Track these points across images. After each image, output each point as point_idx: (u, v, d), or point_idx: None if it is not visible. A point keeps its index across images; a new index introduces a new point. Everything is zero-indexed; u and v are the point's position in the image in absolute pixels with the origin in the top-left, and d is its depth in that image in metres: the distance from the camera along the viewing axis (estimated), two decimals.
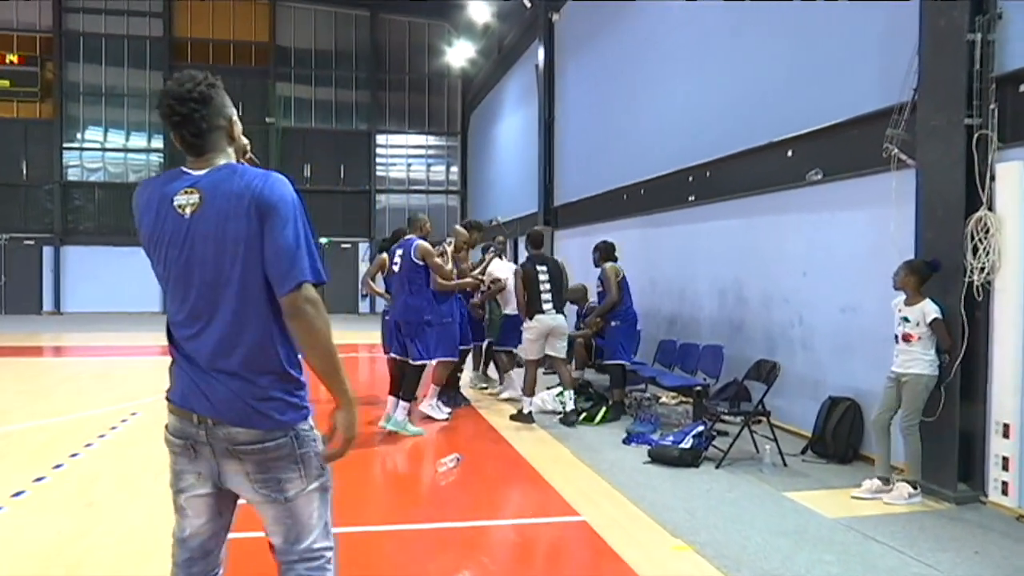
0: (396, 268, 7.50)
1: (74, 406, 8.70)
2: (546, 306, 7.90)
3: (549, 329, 7.91)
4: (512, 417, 7.88)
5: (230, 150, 2.29)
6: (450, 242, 8.07)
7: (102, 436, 7.13)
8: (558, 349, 7.93)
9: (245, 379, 2.16)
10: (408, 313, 7.30)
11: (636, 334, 8.77)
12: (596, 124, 13.36)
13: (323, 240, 22.77)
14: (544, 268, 8.00)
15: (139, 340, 16.49)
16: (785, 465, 6.16)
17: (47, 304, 23.76)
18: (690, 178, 9.48)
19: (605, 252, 8.49)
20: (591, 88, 13.64)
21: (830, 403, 6.49)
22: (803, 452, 6.53)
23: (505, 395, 9.00)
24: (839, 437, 6.32)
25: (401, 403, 7.20)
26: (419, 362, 7.26)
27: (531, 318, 7.89)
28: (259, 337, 2.17)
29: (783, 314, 7.59)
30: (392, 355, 7.64)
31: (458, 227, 8.77)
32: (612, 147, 12.51)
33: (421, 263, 7.30)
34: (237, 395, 2.16)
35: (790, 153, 7.45)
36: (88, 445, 6.77)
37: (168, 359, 2.35)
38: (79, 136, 24.74)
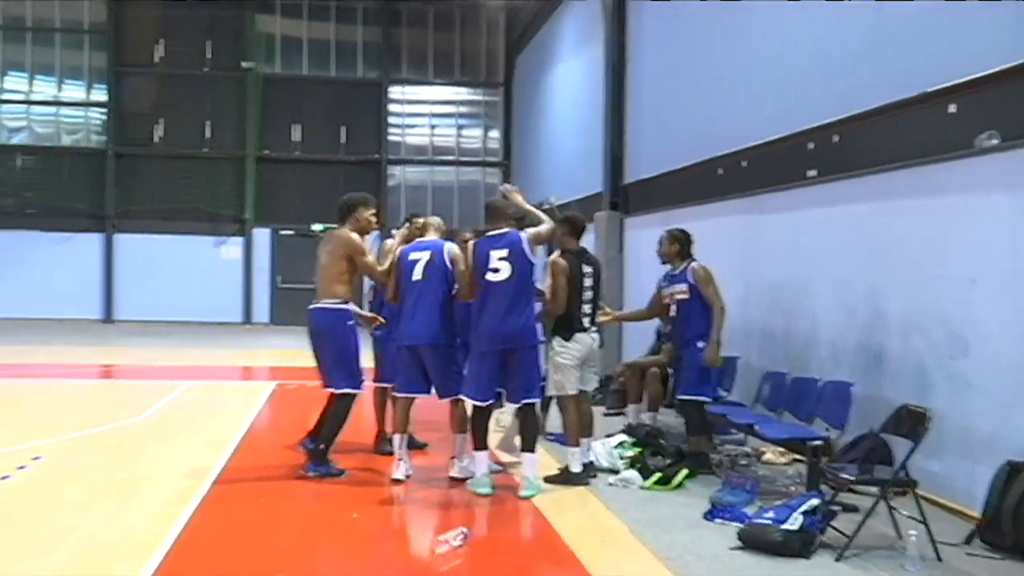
0: (419, 275, 7.69)
1: None
2: (585, 321, 7.95)
3: (590, 353, 7.97)
4: (550, 479, 7.76)
5: None
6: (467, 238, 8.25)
7: None
8: (590, 380, 8.11)
9: None
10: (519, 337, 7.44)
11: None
12: (681, 70, 13.32)
13: (317, 227, 22.79)
14: (590, 269, 8.06)
15: (67, 356, 16.61)
16: (939, 559, 5.89)
17: None
18: (810, 145, 9.38)
19: (687, 243, 8.59)
20: (675, 21, 13.56)
21: (1009, 470, 6.21)
22: (967, 541, 6.26)
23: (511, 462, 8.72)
24: (1021, 519, 6.00)
25: (528, 456, 7.44)
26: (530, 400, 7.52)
27: (568, 338, 7.84)
28: None
29: (940, 340, 7.35)
30: (405, 394, 7.87)
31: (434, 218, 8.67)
32: (703, 102, 12.46)
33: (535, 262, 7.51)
34: None
35: (952, 108, 7.25)
36: None
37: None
38: None
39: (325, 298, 7.77)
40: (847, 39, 8.86)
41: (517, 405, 7.52)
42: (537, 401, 7.52)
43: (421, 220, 8.38)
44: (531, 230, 7.45)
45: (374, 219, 8.00)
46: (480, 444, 7.42)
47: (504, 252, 7.29)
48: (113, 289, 24.66)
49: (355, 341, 7.83)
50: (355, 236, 7.83)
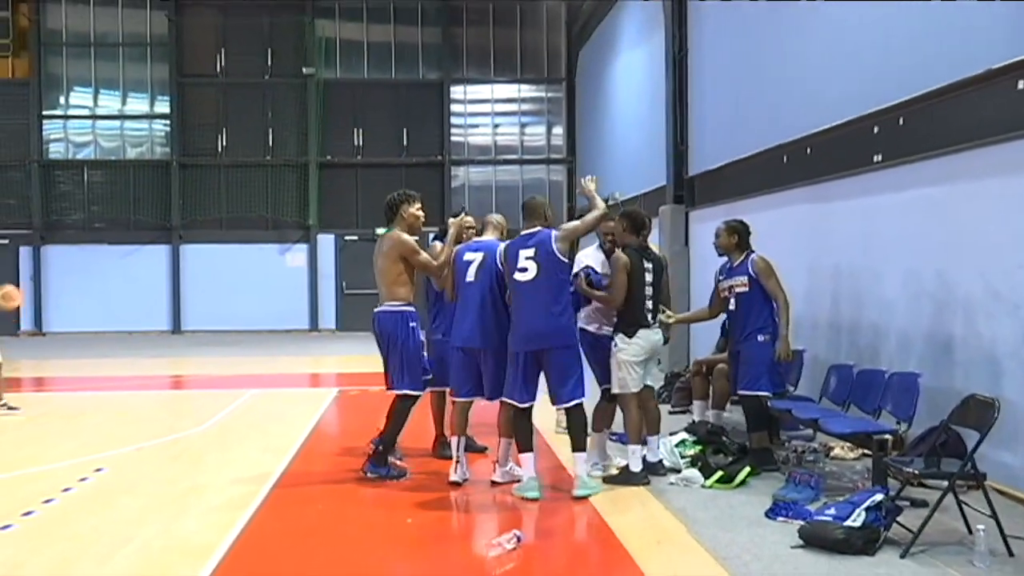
0: (472, 277, 7.74)
1: (20, 459, 9.00)
2: (649, 317, 7.93)
3: (653, 350, 7.92)
4: (609, 479, 7.79)
5: None
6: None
7: (48, 501, 7.34)
8: (656, 378, 8.12)
9: None
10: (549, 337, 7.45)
11: None
12: (742, 58, 13.26)
13: (380, 231, 22.91)
14: (651, 266, 8.03)
15: (134, 368, 17.01)
16: (1011, 555, 5.77)
17: (25, 322, 24.85)
18: (875, 128, 9.27)
19: (746, 234, 8.53)
20: (735, 9, 13.47)
21: None
22: None
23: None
24: None
25: (578, 456, 7.45)
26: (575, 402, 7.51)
27: (631, 334, 7.79)
28: None
29: (1011, 328, 7.22)
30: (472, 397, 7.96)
31: (496, 216, 8.60)
32: (766, 90, 12.39)
33: (566, 259, 7.49)
34: None
35: (1021, 85, 7.09)
36: (27, 513, 6.96)
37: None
38: (62, 100, 25.91)
39: (388, 301, 7.90)
40: (909, 18, 8.74)
41: (560, 407, 7.52)
42: (582, 400, 7.45)
43: (469, 217, 8.44)
44: (564, 225, 7.47)
45: (420, 214, 8.07)
46: (525, 446, 7.40)
47: (531, 252, 7.32)
48: (181, 300, 25.14)
49: (417, 343, 7.94)
50: (405, 236, 7.90)
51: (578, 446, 7.40)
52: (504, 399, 7.53)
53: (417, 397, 7.99)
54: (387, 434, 7.93)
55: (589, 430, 7.73)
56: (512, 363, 7.41)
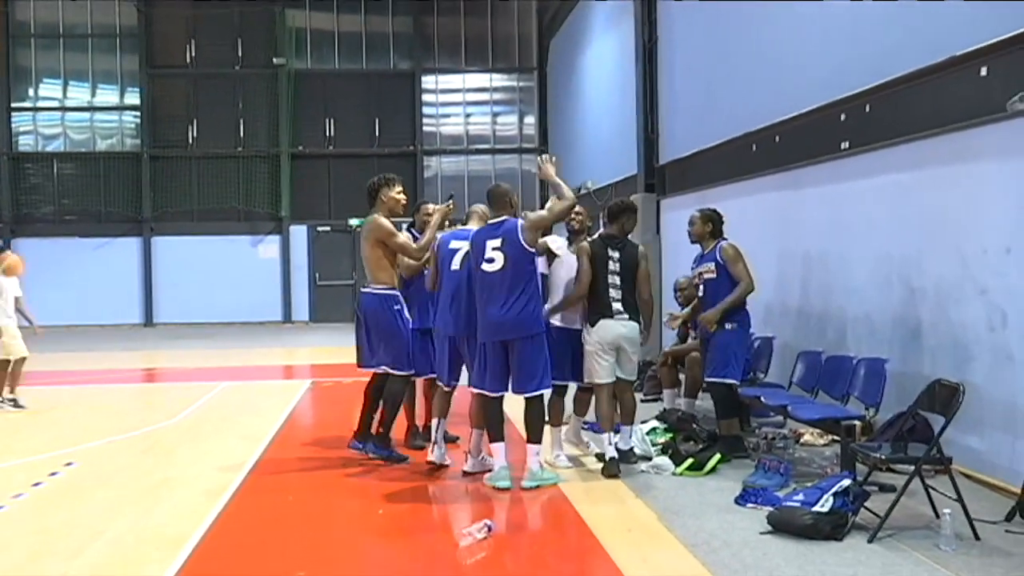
0: (457, 265, 7.73)
1: None
2: (615, 305, 7.81)
3: (617, 341, 7.80)
4: (607, 474, 7.69)
5: None
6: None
7: (18, 496, 7.28)
8: (628, 370, 7.94)
9: None
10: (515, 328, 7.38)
11: (751, 343, 8.72)
12: (711, 47, 13.28)
13: (354, 222, 22.92)
14: (617, 254, 7.92)
15: (106, 362, 16.90)
16: (977, 538, 5.80)
17: None
18: (842, 116, 9.32)
19: (719, 223, 8.51)
20: None
21: None
22: (1008, 518, 6.14)
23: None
24: None
25: (531, 447, 7.41)
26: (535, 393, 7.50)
27: (592, 324, 7.81)
28: None
29: (978, 312, 7.26)
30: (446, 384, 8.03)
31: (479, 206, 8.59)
32: (734, 78, 12.44)
33: (532, 249, 7.44)
34: None
35: (984, 71, 7.14)
36: None
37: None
38: (31, 92, 25.67)
39: (372, 284, 7.99)
40: (874, 7, 8.75)
41: (522, 396, 7.45)
42: (542, 392, 7.40)
43: (431, 207, 8.47)
44: (531, 215, 7.41)
45: (401, 197, 8.10)
46: (496, 436, 7.37)
47: (498, 242, 7.26)
48: (153, 292, 25.05)
49: (404, 326, 7.96)
50: (384, 220, 7.93)
51: (532, 438, 7.36)
52: (474, 389, 7.52)
53: (407, 377, 8.12)
54: (387, 418, 8.03)
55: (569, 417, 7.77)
56: (479, 353, 7.39)
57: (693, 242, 8.64)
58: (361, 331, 8.11)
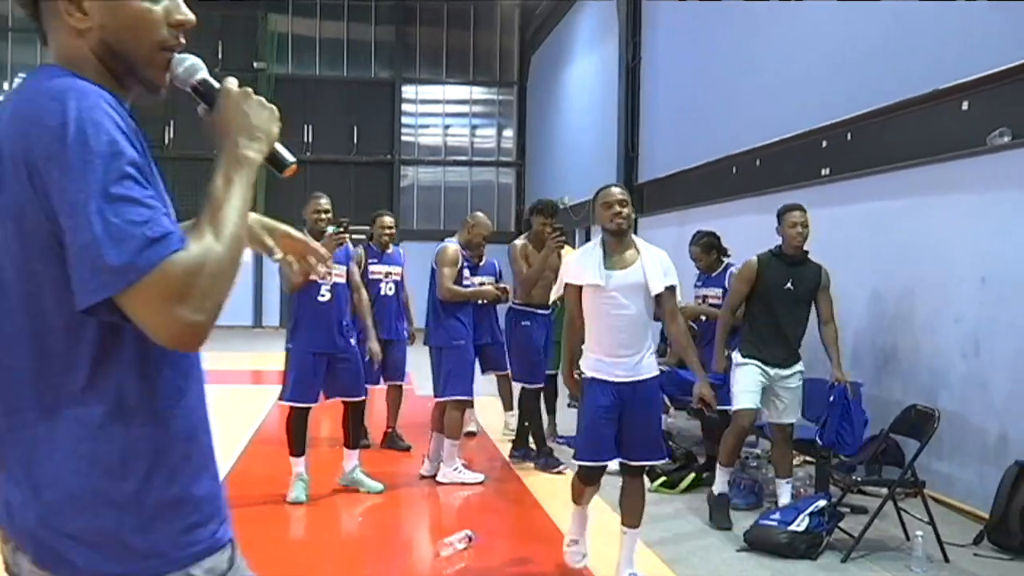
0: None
1: None
2: None
3: None
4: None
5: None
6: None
7: None
8: None
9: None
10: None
11: None
12: (695, 69, 13.36)
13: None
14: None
15: None
16: (947, 560, 5.91)
17: None
18: (823, 143, 9.42)
19: (719, 244, 8.57)
20: (690, 20, 13.60)
21: (1018, 471, 6.22)
22: (976, 541, 6.27)
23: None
24: None
25: (347, 452, 7.53)
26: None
27: None
28: None
29: (952, 339, 7.37)
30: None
31: (479, 215, 8.63)
32: (717, 101, 12.51)
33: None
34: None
35: (965, 106, 7.28)
36: None
37: None
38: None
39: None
40: (860, 37, 8.87)
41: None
42: (362, 399, 7.50)
43: (388, 219, 8.84)
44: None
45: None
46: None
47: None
48: None
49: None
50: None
51: (349, 444, 7.48)
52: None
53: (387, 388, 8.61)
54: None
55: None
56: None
57: (702, 272, 8.56)
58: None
